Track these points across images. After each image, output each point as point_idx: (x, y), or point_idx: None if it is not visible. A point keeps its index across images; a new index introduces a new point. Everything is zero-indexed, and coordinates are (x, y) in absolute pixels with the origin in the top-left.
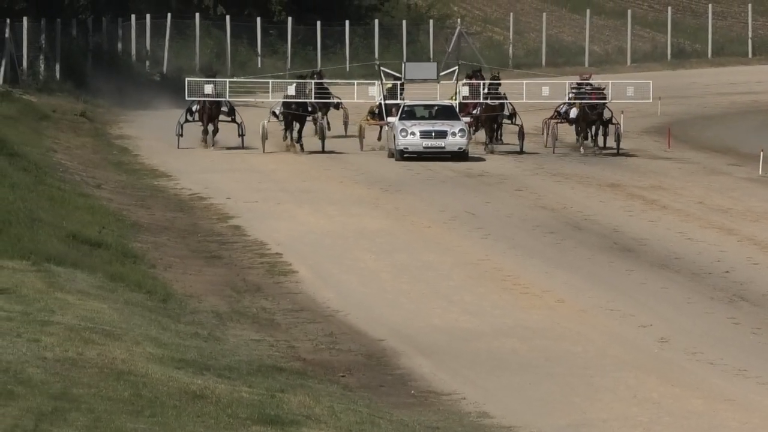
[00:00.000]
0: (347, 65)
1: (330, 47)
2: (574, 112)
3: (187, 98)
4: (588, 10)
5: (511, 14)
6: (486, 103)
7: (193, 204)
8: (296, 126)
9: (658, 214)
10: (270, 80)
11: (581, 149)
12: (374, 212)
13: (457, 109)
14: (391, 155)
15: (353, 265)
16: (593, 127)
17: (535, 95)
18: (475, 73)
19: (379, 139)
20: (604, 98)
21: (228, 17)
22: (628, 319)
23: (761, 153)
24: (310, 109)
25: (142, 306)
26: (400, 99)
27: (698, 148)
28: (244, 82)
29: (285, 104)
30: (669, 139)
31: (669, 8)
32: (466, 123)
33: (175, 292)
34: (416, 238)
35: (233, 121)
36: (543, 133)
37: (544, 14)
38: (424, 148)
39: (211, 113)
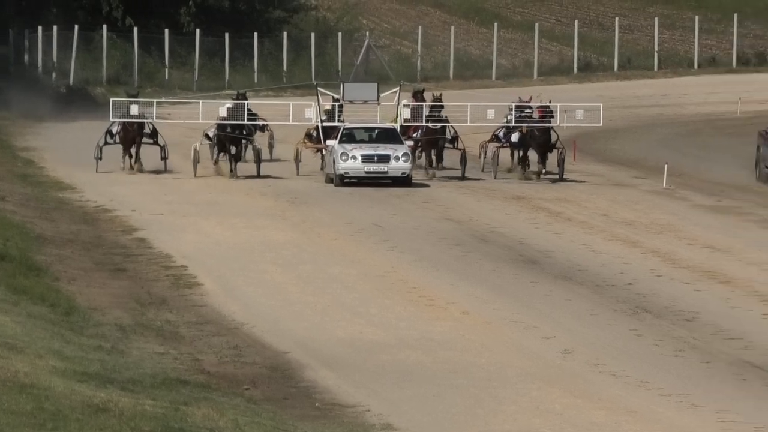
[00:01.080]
0: (255, 77)
1: (238, 59)
2: (516, 136)
3: (111, 119)
4: (495, 24)
5: (420, 27)
6: (427, 127)
7: (98, 216)
8: (232, 150)
9: (562, 226)
10: (200, 101)
11: (533, 176)
12: (281, 224)
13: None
14: (329, 180)
15: (259, 278)
16: (540, 152)
17: (479, 118)
18: (416, 94)
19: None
20: (552, 118)
21: (135, 29)
22: (531, 330)
23: (666, 166)
24: (245, 132)
25: (45, 319)
26: (339, 121)
27: (603, 161)
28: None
29: (219, 126)
30: (575, 152)
31: (576, 22)
32: (409, 147)
33: (78, 305)
34: (322, 251)
35: (156, 143)
36: (480, 157)
37: (452, 27)
38: (366, 173)
39: (133, 136)
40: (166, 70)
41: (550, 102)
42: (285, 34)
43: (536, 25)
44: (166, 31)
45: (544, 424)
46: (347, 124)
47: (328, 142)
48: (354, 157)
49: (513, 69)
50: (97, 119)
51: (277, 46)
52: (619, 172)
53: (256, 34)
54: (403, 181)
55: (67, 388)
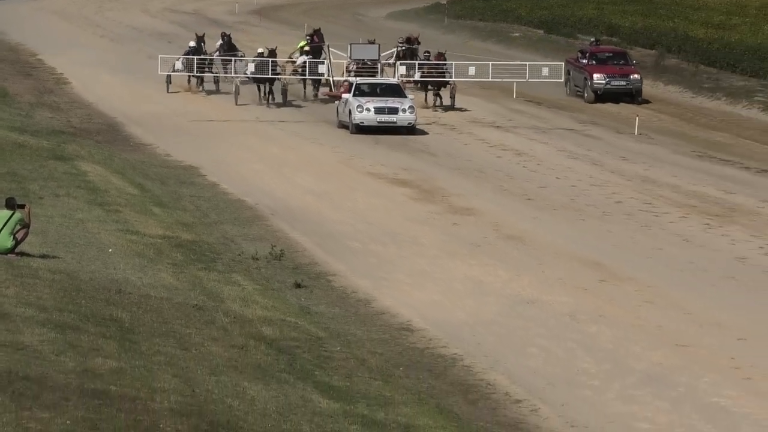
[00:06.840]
0: None
1: None
2: (418, 76)
3: (159, 72)
4: None
5: None
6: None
7: (28, 60)
8: (267, 85)
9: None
10: (232, 58)
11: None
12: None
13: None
14: (343, 126)
15: (96, 79)
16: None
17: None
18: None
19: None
20: (444, 72)
21: None
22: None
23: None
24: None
25: None
26: (348, 76)
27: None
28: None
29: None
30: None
31: None
32: (412, 99)
33: (9, 92)
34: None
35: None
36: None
37: None
38: (378, 123)
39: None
40: None
41: (445, 51)
42: None
43: None
44: None
45: (248, 155)
46: (359, 80)
47: (344, 95)
48: (368, 109)
49: None
50: None
51: None
52: None
53: None
54: (410, 130)
55: (3, 135)
